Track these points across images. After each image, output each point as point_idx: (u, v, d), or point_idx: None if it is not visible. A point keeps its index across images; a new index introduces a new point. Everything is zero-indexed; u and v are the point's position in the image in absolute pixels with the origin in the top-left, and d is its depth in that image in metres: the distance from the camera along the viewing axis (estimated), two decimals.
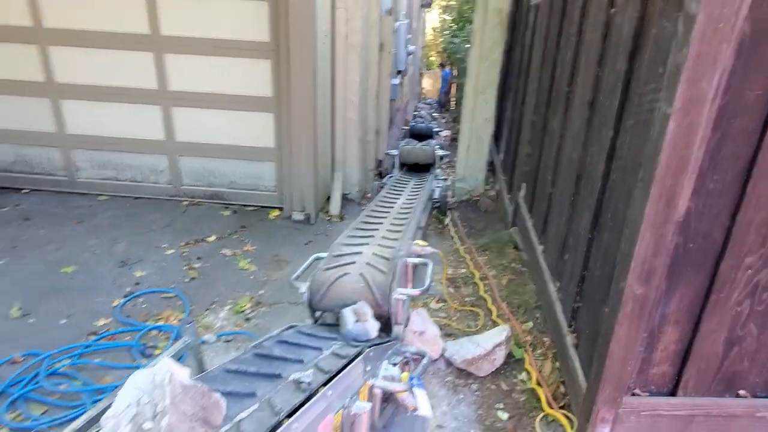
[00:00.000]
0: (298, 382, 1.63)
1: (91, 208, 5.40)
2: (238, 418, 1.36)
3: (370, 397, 2.34)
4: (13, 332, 3.55)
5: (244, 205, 5.67)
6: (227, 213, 5.53)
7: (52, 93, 5.34)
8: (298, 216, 5.44)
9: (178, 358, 3.08)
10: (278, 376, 1.64)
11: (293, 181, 5.35)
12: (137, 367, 2.78)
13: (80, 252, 4.57)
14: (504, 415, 2.96)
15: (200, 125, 5.43)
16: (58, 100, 5.37)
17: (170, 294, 4.07)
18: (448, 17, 18.26)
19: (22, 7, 5.00)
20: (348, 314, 2.43)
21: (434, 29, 20.91)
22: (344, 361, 1.95)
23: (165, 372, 1.08)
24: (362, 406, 2.10)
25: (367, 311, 2.47)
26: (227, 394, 1.39)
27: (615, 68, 2.63)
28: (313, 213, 5.44)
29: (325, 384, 1.74)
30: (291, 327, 2.34)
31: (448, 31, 17.20)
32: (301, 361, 1.82)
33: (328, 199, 5.89)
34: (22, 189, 5.66)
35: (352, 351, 2.09)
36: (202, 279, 4.32)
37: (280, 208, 5.58)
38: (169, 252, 4.69)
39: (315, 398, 1.78)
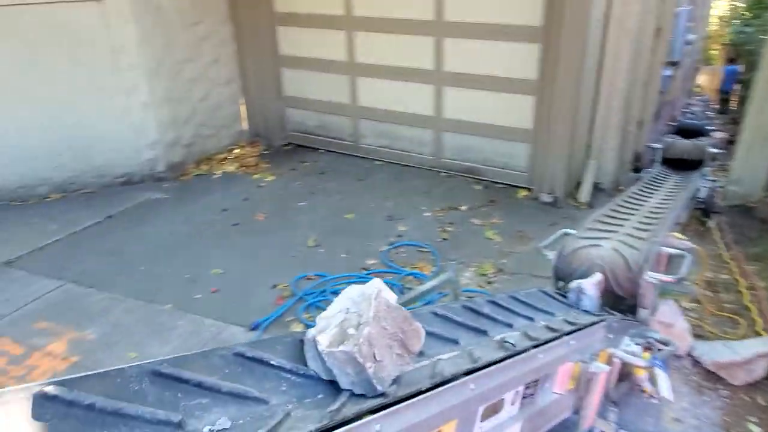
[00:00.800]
0: (503, 341, 1.61)
1: (368, 169, 6.27)
2: (437, 357, 1.36)
3: (609, 364, 2.36)
4: (308, 257, 4.42)
5: (495, 182, 5.91)
6: (479, 187, 5.84)
7: (351, 71, 6.29)
8: (545, 198, 5.47)
9: (438, 293, 3.49)
10: (483, 332, 1.65)
11: (545, 163, 5.39)
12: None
13: (359, 204, 5.38)
14: (756, 429, 2.65)
15: (465, 104, 5.82)
16: (355, 77, 6.31)
17: (425, 249, 4.55)
18: (740, 4, 15.63)
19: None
20: (576, 284, 2.45)
21: (721, 19, 18.09)
22: (555, 334, 1.87)
23: (374, 289, 1.14)
24: (600, 367, 2.15)
25: (595, 284, 2.43)
26: (429, 334, 1.40)
27: None
28: (561, 197, 5.42)
29: (529, 348, 1.66)
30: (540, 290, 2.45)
31: (738, 20, 14.77)
32: (510, 326, 1.80)
33: (578, 185, 5.77)
34: (319, 149, 6.82)
35: (567, 327, 1.99)
36: (452, 241, 4.72)
37: (529, 189, 5.68)
38: (426, 214, 5.20)
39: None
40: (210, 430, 0.74)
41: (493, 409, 1.60)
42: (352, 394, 1.03)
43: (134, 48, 5.46)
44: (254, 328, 3.45)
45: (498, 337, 1.64)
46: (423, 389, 1.13)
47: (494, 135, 5.79)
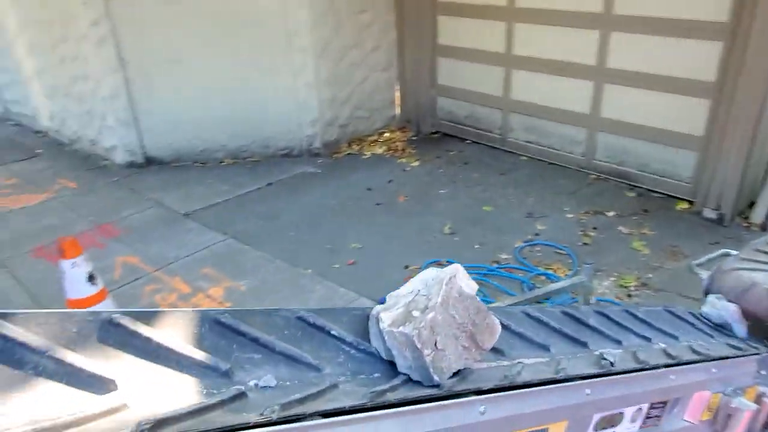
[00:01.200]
0: (601, 357, 1.40)
1: (513, 164, 6.13)
2: (519, 360, 1.25)
3: (757, 403, 2.11)
4: (442, 243, 4.50)
5: (650, 190, 5.43)
6: (631, 194, 5.42)
7: (507, 63, 6.16)
8: (709, 214, 4.92)
9: (570, 297, 3.37)
10: (582, 344, 1.46)
11: (714, 175, 4.83)
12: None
13: (499, 197, 5.31)
14: None
15: (626, 103, 5.39)
16: (510, 70, 6.17)
17: (562, 251, 4.37)
18: None
19: None
20: (714, 299, 2.18)
21: None
22: (672, 361, 1.67)
23: (449, 273, 1.02)
24: (745, 404, 1.93)
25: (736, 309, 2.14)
26: (516, 334, 1.30)
27: None
28: (729, 214, 4.83)
29: (630, 371, 1.50)
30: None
31: None
32: (619, 342, 1.56)
33: (752, 204, 5.09)
34: (466, 140, 6.82)
35: (688, 355, 1.78)
36: (593, 246, 4.47)
37: (691, 202, 5.14)
38: (569, 216, 4.97)
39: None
40: (255, 384, 0.75)
41: (610, 421, 1.53)
42: (408, 379, 0.97)
43: (306, 32, 5.92)
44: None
45: (598, 351, 1.44)
46: (484, 389, 1.04)
47: (656, 139, 5.32)
